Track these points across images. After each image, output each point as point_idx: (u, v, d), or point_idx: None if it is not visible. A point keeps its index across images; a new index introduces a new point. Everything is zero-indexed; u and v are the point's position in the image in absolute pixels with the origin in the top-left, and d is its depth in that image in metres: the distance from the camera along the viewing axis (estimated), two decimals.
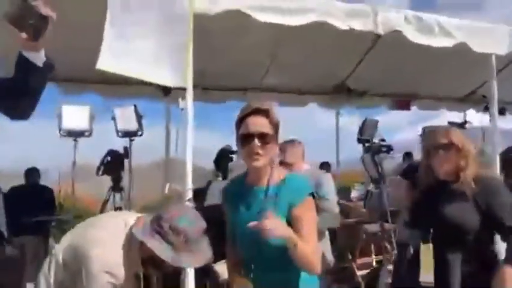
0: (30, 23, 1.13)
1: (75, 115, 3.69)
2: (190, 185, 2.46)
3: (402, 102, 6.01)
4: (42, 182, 4.69)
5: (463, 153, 1.78)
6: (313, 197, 1.57)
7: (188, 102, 2.43)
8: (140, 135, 3.84)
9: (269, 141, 1.51)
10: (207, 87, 4.81)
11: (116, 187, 4.05)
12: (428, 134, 1.86)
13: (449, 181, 1.82)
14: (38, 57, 1.21)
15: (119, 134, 3.82)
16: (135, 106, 3.81)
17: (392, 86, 5.43)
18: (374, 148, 5.32)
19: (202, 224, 1.64)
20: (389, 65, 4.59)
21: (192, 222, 1.60)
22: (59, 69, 4.19)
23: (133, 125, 3.76)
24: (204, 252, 1.64)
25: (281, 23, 2.81)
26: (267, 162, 1.53)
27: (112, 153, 4.03)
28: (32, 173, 4.62)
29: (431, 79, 5.15)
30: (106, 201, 4.08)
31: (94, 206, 5.68)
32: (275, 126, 1.55)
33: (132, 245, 1.58)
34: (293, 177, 1.60)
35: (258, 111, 1.53)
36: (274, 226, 1.38)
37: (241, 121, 1.55)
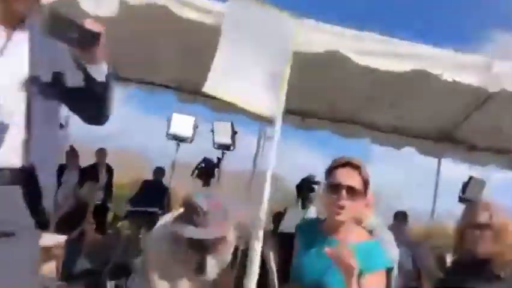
0: (73, 37, 1.18)
1: (182, 123, 4.21)
2: (263, 214, 2.54)
3: None
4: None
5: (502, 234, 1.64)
6: (388, 271, 1.52)
7: (276, 134, 2.61)
8: (232, 149, 4.17)
9: (356, 197, 1.48)
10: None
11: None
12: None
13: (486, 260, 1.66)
14: (97, 71, 1.28)
15: (215, 145, 4.22)
16: (232, 123, 4.17)
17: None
18: None
19: (219, 200, 1.74)
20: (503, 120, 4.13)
21: (207, 195, 1.73)
22: (179, 80, 4.75)
23: (227, 140, 4.12)
24: (219, 224, 1.70)
25: (382, 68, 2.82)
26: (350, 218, 1.51)
27: (206, 160, 4.46)
28: (159, 171, 6.10)
29: None
30: None
31: None
32: (365, 182, 1.53)
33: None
34: (372, 244, 1.55)
35: (349, 164, 1.54)
36: (349, 256, 1.33)
37: (331, 171, 1.56)
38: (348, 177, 1.51)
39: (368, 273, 1.42)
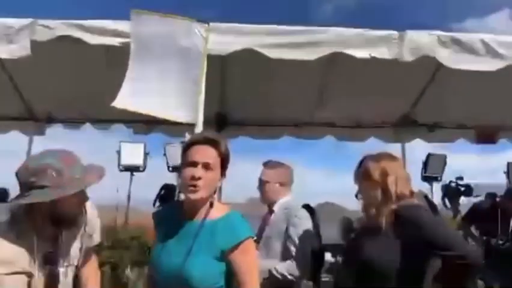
0: None
1: (132, 152, 4.17)
2: None
3: (485, 135, 5.21)
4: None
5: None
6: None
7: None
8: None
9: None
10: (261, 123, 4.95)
11: None
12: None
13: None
14: None
15: (170, 169, 4.17)
16: (182, 143, 4.13)
17: (467, 117, 4.79)
18: (450, 190, 4.68)
19: (68, 154, 1.49)
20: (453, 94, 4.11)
21: (53, 155, 1.45)
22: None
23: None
24: (83, 177, 1.47)
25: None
26: (207, 194, 1.51)
27: (166, 186, 4.37)
28: None
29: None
30: None
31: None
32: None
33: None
34: (231, 217, 1.55)
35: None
36: None
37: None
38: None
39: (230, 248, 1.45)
